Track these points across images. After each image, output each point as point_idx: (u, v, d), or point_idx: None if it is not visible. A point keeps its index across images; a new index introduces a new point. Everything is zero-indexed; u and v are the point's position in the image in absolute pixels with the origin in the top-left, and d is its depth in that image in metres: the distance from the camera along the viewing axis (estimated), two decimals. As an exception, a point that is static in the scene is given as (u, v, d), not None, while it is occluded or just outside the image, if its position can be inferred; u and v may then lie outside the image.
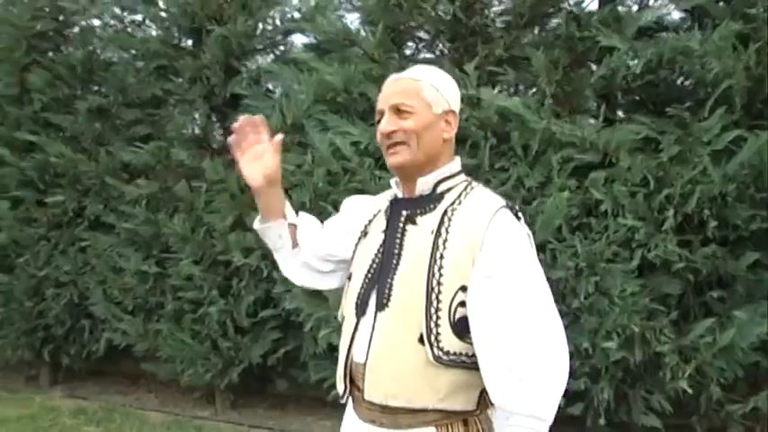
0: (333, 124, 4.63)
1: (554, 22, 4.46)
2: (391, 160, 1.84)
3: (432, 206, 1.82)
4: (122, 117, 5.62)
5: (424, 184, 1.84)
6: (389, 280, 1.79)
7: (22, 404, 5.70)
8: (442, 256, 1.73)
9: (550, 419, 1.67)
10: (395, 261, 1.81)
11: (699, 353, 3.90)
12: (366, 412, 1.83)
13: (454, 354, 1.71)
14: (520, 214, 1.79)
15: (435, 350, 1.70)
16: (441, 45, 4.77)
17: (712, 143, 3.80)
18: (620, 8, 4.35)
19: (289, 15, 5.29)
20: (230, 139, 1.97)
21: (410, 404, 1.73)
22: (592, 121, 4.45)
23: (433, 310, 1.71)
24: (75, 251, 5.69)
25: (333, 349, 4.50)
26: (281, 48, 5.56)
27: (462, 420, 1.76)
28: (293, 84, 4.92)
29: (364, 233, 1.95)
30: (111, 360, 6.07)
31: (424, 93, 1.82)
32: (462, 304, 1.71)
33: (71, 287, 5.72)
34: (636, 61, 3.92)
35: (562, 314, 4.01)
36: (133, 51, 5.58)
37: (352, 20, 5.08)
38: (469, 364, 1.71)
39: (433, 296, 1.71)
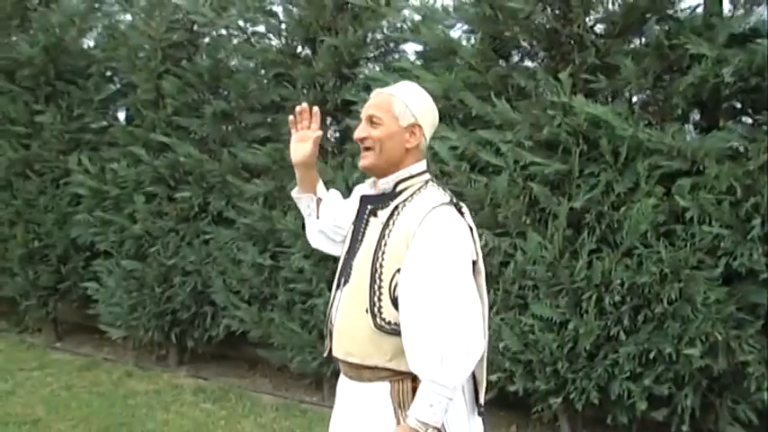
0: (433, 129, 4.85)
1: (647, 30, 4.49)
2: (360, 163, 2.21)
3: (389, 202, 2.16)
4: (244, 121, 6.01)
5: (384, 184, 2.18)
6: (352, 261, 2.16)
7: (151, 380, 6.23)
8: (385, 244, 2.07)
9: (451, 386, 1.95)
10: (357, 246, 2.18)
11: (784, 364, 3.88)
12: (341, 367, 2.24)
13: (395, 324, 2.04)
14: (464, 210, 2.12)
15: (378, 320, 2.06)
16: (540, 53, 4.90)
17: (803, 152, 3.77)
18: (722, 15, 4.36)
19: (398, 26, 5.54)
20: (290, 118, 2.44)
21: (364, 362, 2.10)
22: (690, 127, 4.48)
23: (376, 288, 2.06)
24: (199, 243, 6.11)
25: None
26: (395, 56, 5.82)
27: (411, 378, 2.06)
28: (399, 91, 5.17)
29: (353, 221, 2.30)
30: (232, 345, 6.49)
31: (394, 107, 2.15)
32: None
33: (196, 276, 6.14)
34: (727, 69, 3.92)
35: (646, 319, 4.10)
36: (254, 60, 5.98)
37: (458, 28, 5.29)
38: None
39: (377, 276, 2.06)
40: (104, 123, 7.06)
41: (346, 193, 5.12)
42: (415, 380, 2.07)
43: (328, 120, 5.83)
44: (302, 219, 5.47)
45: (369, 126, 2.18)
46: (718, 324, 3.93)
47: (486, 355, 2.15)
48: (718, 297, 3.94)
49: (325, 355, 2.35)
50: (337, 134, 5.96)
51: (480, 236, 2.21)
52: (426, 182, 2.19)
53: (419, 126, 2.18)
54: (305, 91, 5.67)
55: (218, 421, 5.29)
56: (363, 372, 2.14)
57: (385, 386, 2.11)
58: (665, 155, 4.10)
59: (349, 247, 2.25)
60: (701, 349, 3.97)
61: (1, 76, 7.28)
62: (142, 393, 5.89)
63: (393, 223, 2.11)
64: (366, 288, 2.09)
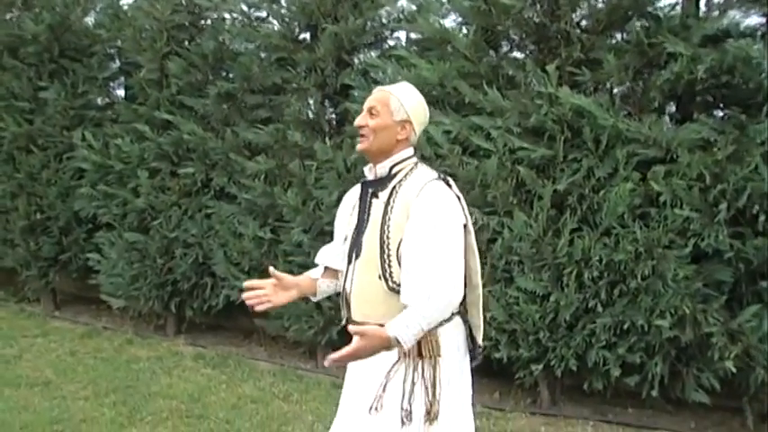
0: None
1: (629, 27, 4.83)
2: (357, 146, 2.58)
3: (387, 184, 2.53)
4: (246, 101, 6.25)
5: (381, 169, 2.55)
6: (361, 238, 2.54)
7: (151, 348, 6.50)
8: (389, 219, 2.46)
9: (429, 319, 2.34)
10: (364, 225, 2.55)
11: (745, 336, 4.27)
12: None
13: None
14: (451, 183, 2.51)
15: (390, 283, 2.44)
16: (529, 46, 5.23)
17: (766, 144, 4.15)
18: (699, 15, 4.73)
19: (394, 16, 5.85)
20: (248, 303, 2.64)
21: (379, 321, 2.41)
22: (666, 119, 4.85)
23: (385, 257, 2.45)
24: (201, 217, 6.37)
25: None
26: (390, 43, 6.10)
27: None
28: (395, 77, 5.49)
29: (353, 207, 2.66)
30: (229, 316, 6.76)
31: (391, 103, 2.53)
32: None
33: (197, 248, 6.39)
34: (700, 66, 4.28)
35: (621, 293, 4.48)
36: (257, 44, 6.23)
37: (452, 20, 5.61)
38: None
39: (385, 247, 2.45)
40: (108, 100, 7.29)
41: (344, 172, 5.49)
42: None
43: (327, 102, 6.12)
44: (302, 195, 5.85)
45: (368, 116, 2.54)
46: (686, 299, 4.32)
47: (481, 302, 2.56)
48: (686, 274, 4.33)
49: (343, 323, 2.67)
50: (334, 116, 6.23)
51: (471, 214, 2.59)
52: (416, 163, 2.56)
53: (410, 122, 2.55)
54: (305, 75, 5.96)
55: (219, 385, 5.58)
56: None
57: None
58: (642, 143, 4.48)
59: (357, 227, 2.60)
60: (671, 321, 4.36)
61: (5, 53, 7.46)
62: (144, 359, 6.16)
63: (393, 201, 2.48)
64: (377, 258, 2.46)
